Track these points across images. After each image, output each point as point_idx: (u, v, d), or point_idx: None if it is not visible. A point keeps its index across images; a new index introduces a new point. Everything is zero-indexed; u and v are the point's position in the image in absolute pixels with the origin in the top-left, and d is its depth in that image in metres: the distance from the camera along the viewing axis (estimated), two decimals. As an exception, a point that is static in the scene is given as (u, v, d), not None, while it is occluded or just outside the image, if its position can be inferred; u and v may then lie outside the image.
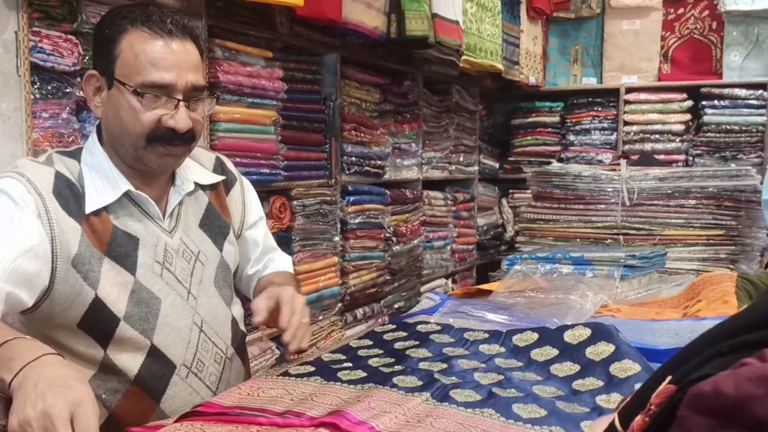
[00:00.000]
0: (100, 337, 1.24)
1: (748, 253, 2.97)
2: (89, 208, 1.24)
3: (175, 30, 1.25)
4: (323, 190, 2.88)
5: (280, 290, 1.36)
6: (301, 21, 2.57)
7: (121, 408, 1.26)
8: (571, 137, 4.56)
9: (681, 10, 4.44)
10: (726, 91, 4.14)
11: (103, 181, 1.27)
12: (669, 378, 0.60)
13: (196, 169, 1.43)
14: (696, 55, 4.40)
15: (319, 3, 2.44)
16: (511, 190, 4.65)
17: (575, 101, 4.60)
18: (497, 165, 4.74)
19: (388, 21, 2.91)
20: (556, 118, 4.64)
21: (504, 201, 4.69)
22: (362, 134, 3.15)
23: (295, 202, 2.71)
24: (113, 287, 1.24)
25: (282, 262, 1.61)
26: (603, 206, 3.16)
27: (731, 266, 2.86)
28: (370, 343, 1.50)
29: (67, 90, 1.87)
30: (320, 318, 2.90)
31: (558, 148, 4.61)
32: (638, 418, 0.61)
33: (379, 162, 3.28)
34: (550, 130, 4.65)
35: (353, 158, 3.08)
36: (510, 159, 4.75)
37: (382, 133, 3.33)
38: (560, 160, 4.35)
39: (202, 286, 1.37)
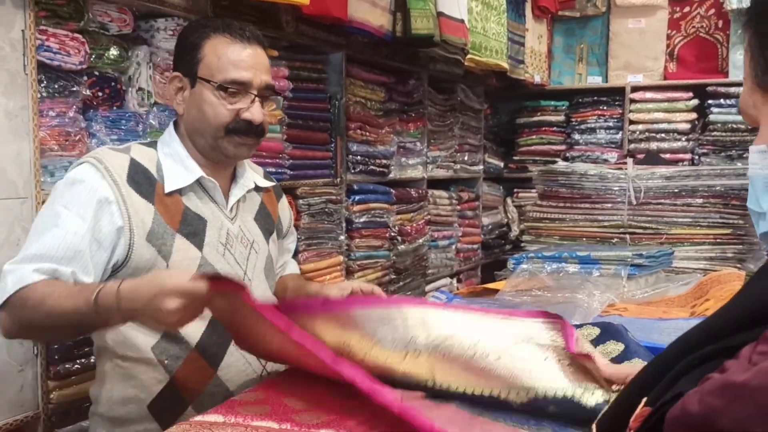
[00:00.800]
0: None
1: (756, 252, 2.95)
2: (167, 189, 1.41)
3: (252, 37, 1.46)
4: (328, 189, 2.88)
5: (344, 283, 1.67)
6: (306, 20, 2.57)
7: (181, 373, 1.38)
8: (577, 136, 4.54)
9: (687, 9, 4.42)
10: (732, 89, 4.12)
11: (178, 167, 1.44)
12: (645, 399, 0.60)
13: (253, 173, 1.62)
14: (702, 53, 4.38)
15: (324, 2, 2.44)
16: (515, 190, 4.64)
17: (580, 100, 4.58)
18: (502, 164, 4.73)
19: (393, 19, 2.91)
20: (561, 117, 4.62)
21: (509, 200, 4.69)
22: (367, 133, 3.14)
23: (300, 201, 2.71)
24: (183, 261, 1.38)
25: (295, 266, 1.82)
26: (609, 205, 3.15)
27: (738, 265, 2.85)
28: None
29: (74, 89, 1.86)
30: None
31: (563, 147, 4.59)
32: None
33: (384, 161, 3.28)
34: (555, 129, 4.64)
35: (358, 157, 3.08)
36: (515, 158, 4.74)
37: (387, 132, 3.33)
38: (565, 159, 4.33)
39: (255, 271, 1.53)
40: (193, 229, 1.42)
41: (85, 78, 1.90)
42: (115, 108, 2.00)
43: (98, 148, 1.47)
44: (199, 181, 1.46)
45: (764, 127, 0.72)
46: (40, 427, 1.77)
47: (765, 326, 0.54)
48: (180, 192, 1.43)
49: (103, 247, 1.32)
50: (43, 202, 1.74)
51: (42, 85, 1.78)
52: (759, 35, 0.73)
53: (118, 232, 1.33)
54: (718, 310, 0.67)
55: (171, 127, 1.52)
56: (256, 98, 1.44)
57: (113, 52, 1.97)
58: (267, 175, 1.72)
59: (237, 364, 1.42)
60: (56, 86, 1.82)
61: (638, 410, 0.60)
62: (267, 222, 1.61)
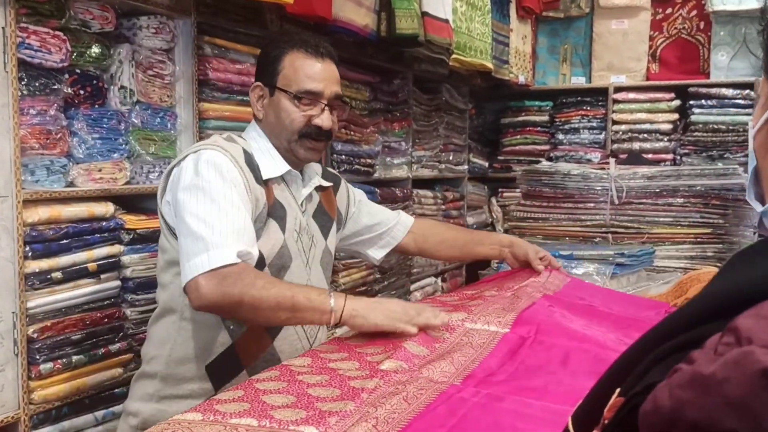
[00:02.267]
0: None
1: (735, 252, 2.99)
2: (264, 176, 1.60)
3: (325, 52, 1.66)
4: (313, 189, 2.88)
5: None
6: (291, 18, 2.56)
7: (243, 340, 1.58)
8: (560, 136, 4.57)
9: (669, 10, 4.46)
10: (713, 90, 4.16)
11: (269, 159, 1.64)
12: (618, 390, 0.61)
13: (316, 174, 1.79)
14: (684, 54, 4.42)
15: (309, 1, 2.43)
16: (500, 189, 4.66)
17: (564, 100, 4.61)
18: (487, 164, 4.75)
19: (378, 19, 2.91)
20: (546, 117, 4.64)
21: (493, 200, 4.70)
22: (352, 132, 3.15)
23: (284, 201, 2.71)
24: (269, 240, 1.58)
25: (407, 218, 2.05)
26: (592, 205, 3.18)
27: (719, 264, 2.89)
28: None
29: (55, 87, 1.85)
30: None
31: (547, 147, 4.61)
32: None
33: (369, 160, 3.28)
34: (539, 129, 4.66)
35: (343, 156, 3.08)
36: (499, 158, 4.76)
37: (372, 131, 3.33)
38: (549, 159, 4.36)
39: (314, 260, 1.73)
40: (280, 214, 1.62)
41: (67, 76, 1.89)
42: (96, 106, 1.99)
43: (212, 137, 1.68)
44: (282, 175, 1.65)
45: (759, 102, 0.74)
46: (21, 427, 1.75)
47: (730, 317, 0.55)
48: (271, 181, 1.63)
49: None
50: (24, 200, 1.74)
51: (23, 82, 1.76)
52: None
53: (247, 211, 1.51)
54: (687, 302, 0.68)
55: (254, 125, 1.70)
56: (326, 107, 1.64)
57: (95, 49, 1.95)
58: (326, 172, 1.88)
59: (291, 339, 1.63)
60: (37, 84, 1.81)
61: (611, 401, 0.61)
62: (324, 219, 1.80)
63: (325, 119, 1.64)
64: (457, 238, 2.11)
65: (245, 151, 1.60)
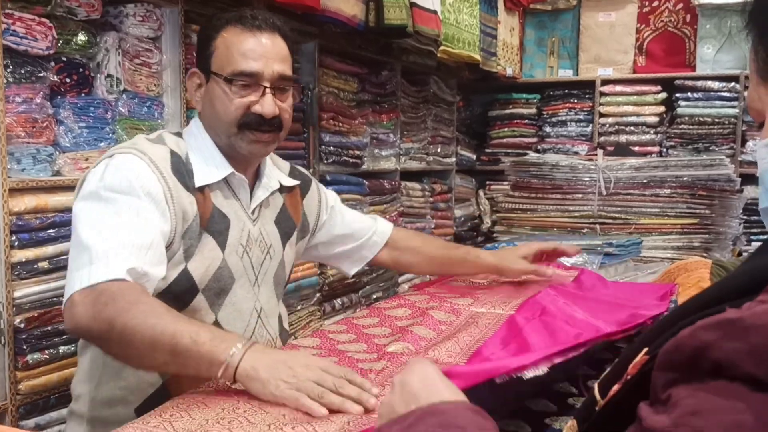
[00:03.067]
0: (178, 304, 1.26)
1: (721, 242, 3.01)
2: (197, 183, 1.34)
3: (264, 25, 1.37)
4: (301, 180, 2.86)
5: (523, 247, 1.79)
6: (278, 8, 2.55)
7: (174, 378, 1.30)
8: (548, 129, 4.58)
9: (656, 3, 4.48)
10: (699, 83, 4.19)
11: (207, 162, 1.38)
12: (645, 350, 0.62)
13: (278, 172, 1.54)
14: (670, 47, 4.44)
15: (297, -10, 2.42)
16: (488, 182, 4.67)
17: (551, 93, 4.62)
18: (474, 156, 4.75)
19: (366, 9, 2.90)
20: (533, 110, 4.66)
21: (481, 192, 4.71)
22: (340, 124, 3.14)
23: (273, 191, 2.69)
24: (203, 261, 1.34)
25: (385, 224, 1.79)
26: (580, 195, 3.19)
27: (705, 254, 2.91)
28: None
29: (41, 74, 1.83)
30: (299, 308, 2.89)
31: (534, 139, 4.63)
32: (615, 387, 0.65)
33: (357, 152, 3.27)
34: (526, 121, 4.67)
35: (331, 148, 3.07)
36: (487, 150, 4.77)
37: (360, 123, 3.32)
38: (537, 152, 4.37)
39: (266, 277, 1.47)
40: (219, 227, 1.37)
41: (53, 63, 1.87)
42: (83, 94, 1.97)
43: (134, 138, 1.39)
44: (226, 178, 1.40)
45: None
46: (8, 418, 1.74)
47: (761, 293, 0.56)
48: (209, 187, 1.37)
49: (163, 242, 1.26)
50: (10, 189, 1.72)
51: (8, 70, 1.74)
52: (761, 30, 0.75)
53: (164, 229, 1.26)
54: (720, 280, 0.70)
55: (196, 119, 1.45)
56: (267, 90, 1.36)
57: (81, 37, 1.93)
58: (294, 170, 1.63)
59: None
60: (23, 71, 1.79)
61: (638, 358, 0.61)
62: (287, 225, 1.54)
63: (266, 105, 1.35)
64: (434, 258, 1.79)
65: (173, 154, 1.35)
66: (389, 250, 1.76)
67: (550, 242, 1.85)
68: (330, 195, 1.72)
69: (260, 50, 1.35)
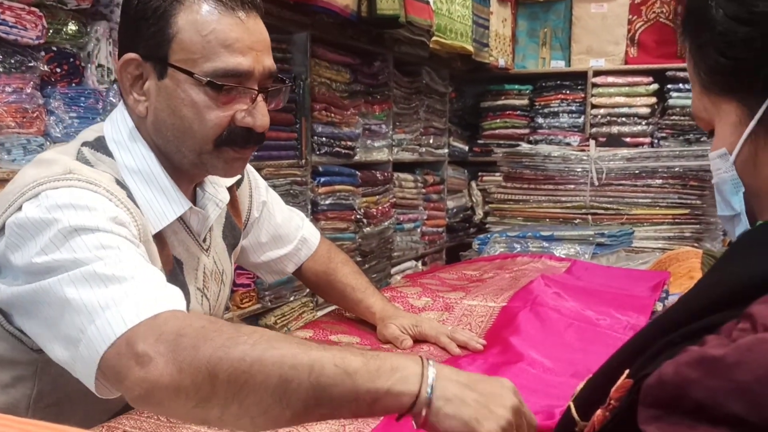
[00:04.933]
0: None
1: (712, 232, 3.03)
2: (155, 228, 1.01)
3: (247, 1, 1.00)
4: (293, 171, 2.86)
5: (410, 322, 1.32)
6: (270, -2, 2.54)
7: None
8: (540, 120, 4.59)
9: (647, -6, 4.48)
10: (691, 74, 4.19)
11: (156, 193, 1.02)
12: (626, 372, 0.60)
13: (221, 183, 1.23)
14: (662, 38, 4.45)
15: (289, -21, 2.40)
16: (480, 173, 4.68)
17: (544, 84, 4.62)
18: (467, 148, 4.75)
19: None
20: (525, 101, 4.66)
21: (473, 184, 4.72)
22: (333, 114, 3.13)
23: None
24: None
25: (311, 233, 1.47)
26: (572, 186, 3.19)
27: (696, 244, 2.92)
28: None
29: (31, 64, 1.81)
30: (291, 299, 2.89)
31: (527, 131, 4.63)
32: (598, 412, 0.62)
33: (349, 143, 3.27)
34: (518, 113, 4.67)
35: (323, 139, 3.06)
36: (479, 142, 4.77)
37: (353, 113, 3.31)
38: (529, 143, 4.37)
39: (219, 307, 1.24)
40: (180, 278, 1.08)
41: (43, 53, 1.85)
42: (74, 84, 1.95)
43: (66, 166, 0.95)
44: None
45: (719, 129, 0.74)
46: None
47: (743, 305, 0.55)
48: (164, 231, 1.05)
49: None
50: (0, 179, 1.71)
51: (-3, 59, 1.73)
52: (695, 40, 0.75)
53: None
54: (699, 286, 0.68)
55: (130, 124, 1.04)
56: (259, 96, 1.01)
57: (71, 27, 1.92)
58: None
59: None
60: (12, 61, 1.77)
61: (619, 382, 0.60)
62: (232, 235, 1.26)
63: (259, 117, 1.01)
64: (345, 297, 1.45)
65: (120, 183, 0.99)
66: (310, 267, 1.46)
67: (453, 341, 1.31)
68: (261, 184, 1.37)
69: (248, 40, 0.98)
